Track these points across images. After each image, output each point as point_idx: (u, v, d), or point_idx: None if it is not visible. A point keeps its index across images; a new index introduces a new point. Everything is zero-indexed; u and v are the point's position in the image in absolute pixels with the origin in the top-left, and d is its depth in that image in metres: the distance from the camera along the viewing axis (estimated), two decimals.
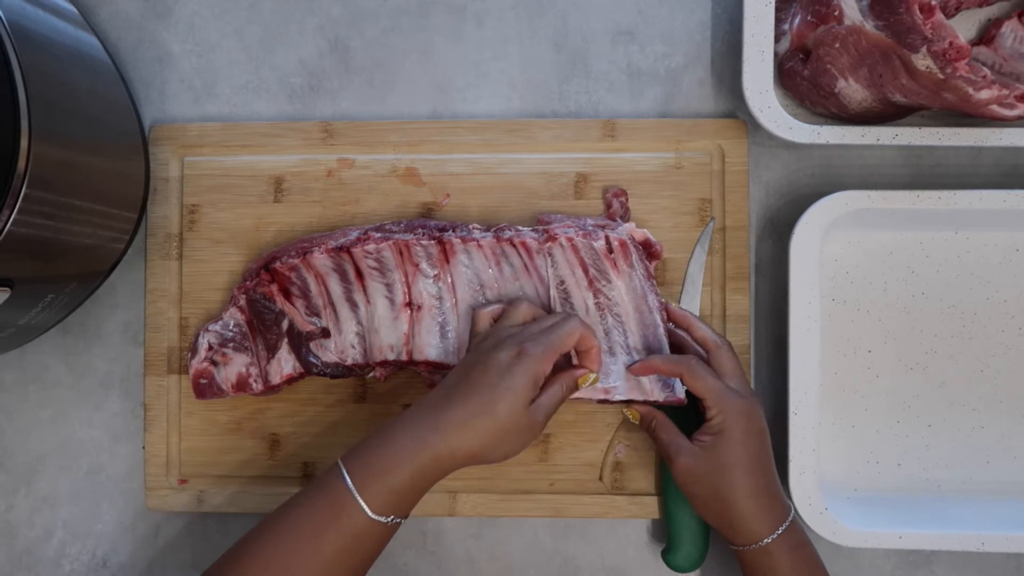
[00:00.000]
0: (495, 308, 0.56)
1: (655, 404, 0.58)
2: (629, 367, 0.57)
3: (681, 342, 0.58)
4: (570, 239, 0.58)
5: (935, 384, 0.62)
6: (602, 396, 0.57)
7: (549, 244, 0.58)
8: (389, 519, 0.49)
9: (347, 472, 0.49)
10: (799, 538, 0.54)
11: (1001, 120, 0.54)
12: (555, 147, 0.62)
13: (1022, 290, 0.62)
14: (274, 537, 0.49)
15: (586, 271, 0.58)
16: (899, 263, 0.62)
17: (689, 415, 0.58)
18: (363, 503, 0.48)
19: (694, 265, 0.61)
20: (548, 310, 0.58)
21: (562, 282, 0.58)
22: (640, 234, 0.59)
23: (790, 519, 0.54)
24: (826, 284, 0.62)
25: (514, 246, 0.58)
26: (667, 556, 0.60)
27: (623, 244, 0.58)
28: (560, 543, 0.63)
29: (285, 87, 0.65)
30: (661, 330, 0.58)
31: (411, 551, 0.63)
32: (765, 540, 0.53)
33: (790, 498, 0.57)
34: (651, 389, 0.57)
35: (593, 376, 0.54)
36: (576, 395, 0.55)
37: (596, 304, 0.58)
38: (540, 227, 0.59)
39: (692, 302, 0.61)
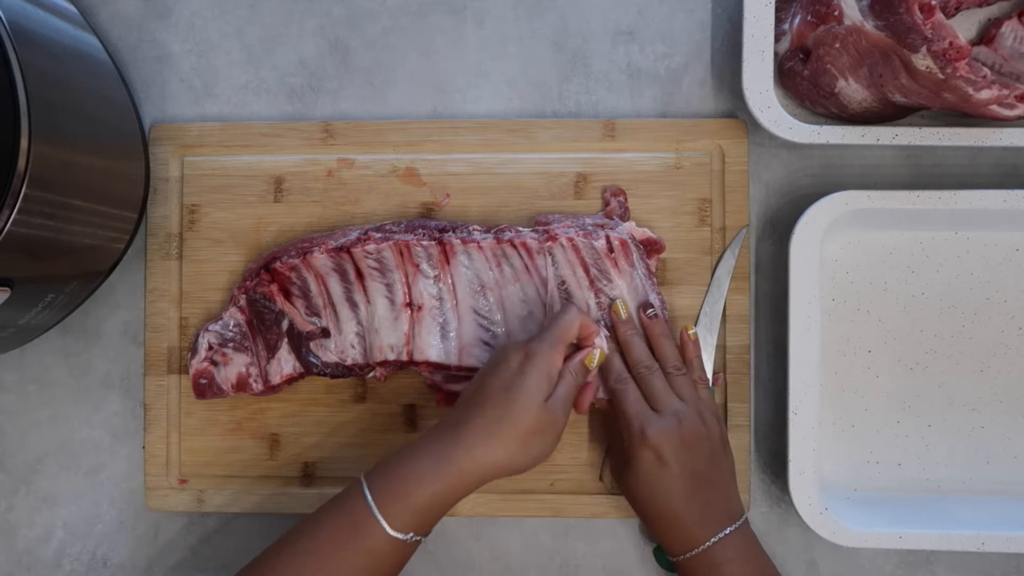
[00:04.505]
0: None
1: None
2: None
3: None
4: (570, 239, 0.58)
5: (935, 384, 0.62)
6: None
7: (549, 244, 0.58)
8: (409, 536, 0.49)
9: (368, 489, 0.49)
10: (717, 559, 0.52)
11: (1001, 120, 0.54)
12: (555, 147, 0.62)
13: (1022, 290, 0.62)
14: (292, 555, 0.49)
15: (587, 271, 0.58)
16: (899, 263, 0.62)
17: None
18: (383, 521, 0.48)
19: (722, 269, 0.61)
20: (549, 311, 0.58)
21: (563, 282, 0.58)
22: (640, 233, 0.59)
23: (702, 548, 0.52)
24: (826, 284, 0.62)
25: (514, 247, 0.58)
26: (657, 554, 0.61)
27: (623, 243, 0.58)
28: (560, 543, 0.63)
29: (285, 87, 0.65)
30: None
31: None
32: (681, 557, 0.53)
33: (789, 500, 0.57)
34: None
35: (598, 352, 0.54)
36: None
37: (598, 304, 0.58)
38: (540, 227, 0.59)
39: (716, 304, 0.61)
